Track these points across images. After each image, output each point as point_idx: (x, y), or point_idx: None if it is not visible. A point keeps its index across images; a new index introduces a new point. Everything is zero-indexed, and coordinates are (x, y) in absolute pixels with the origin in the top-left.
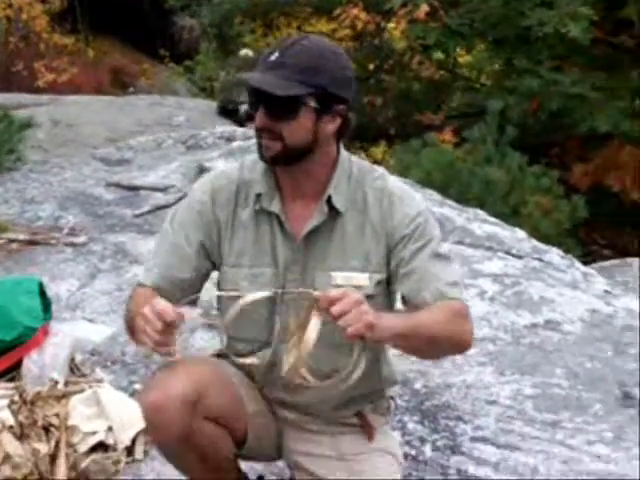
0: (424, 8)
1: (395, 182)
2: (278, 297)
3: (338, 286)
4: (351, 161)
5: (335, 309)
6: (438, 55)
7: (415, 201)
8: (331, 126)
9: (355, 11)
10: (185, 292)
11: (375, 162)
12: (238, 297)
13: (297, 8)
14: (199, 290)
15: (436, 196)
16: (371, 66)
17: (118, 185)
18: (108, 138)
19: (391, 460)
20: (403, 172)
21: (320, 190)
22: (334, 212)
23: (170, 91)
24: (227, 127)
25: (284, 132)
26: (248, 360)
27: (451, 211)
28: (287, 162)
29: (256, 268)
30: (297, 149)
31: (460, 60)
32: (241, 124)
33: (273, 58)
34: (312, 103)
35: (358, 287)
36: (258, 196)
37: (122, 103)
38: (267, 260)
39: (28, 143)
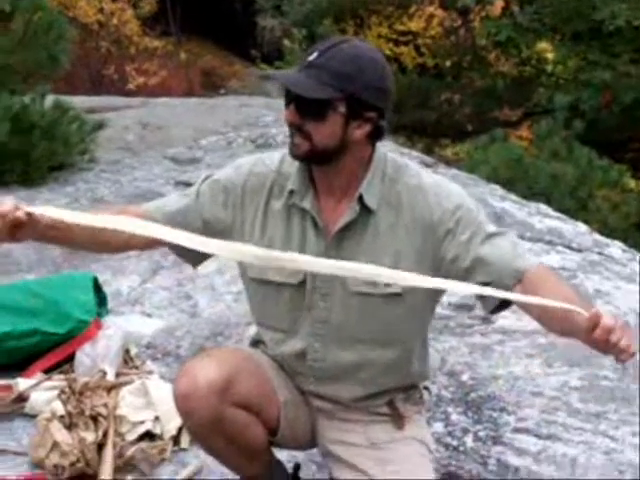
0: (499, 4)
1: (430, 178)
2: (308, 286)
3: (368, 284)
4: (386, 160)
5: (612, 338)
6: (526, 52)
7: (452, 194)
8: (359, 132)
9: (431, 9)
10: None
11: (447, 160)
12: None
13: (379, 6)
14: None
15: (500, 191)
16: (448, 63)
17: (186, 183)
18: (195, 139)
19: (421, 448)
20: (472, 168)
21: (353, 189)
22: (366, 210)
23: (261, 92)
24: None
25: (312, 133)
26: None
27: (512, 205)
28: (315, 162)
29: None
30: (325, 151)
31: (548, 56)
32: None
33: (311, 58)
34: (341, 108)
35: (388, 285)
36: (291, 192)
37: (211, 104)
38: (295, 250)
39: (117, 144)
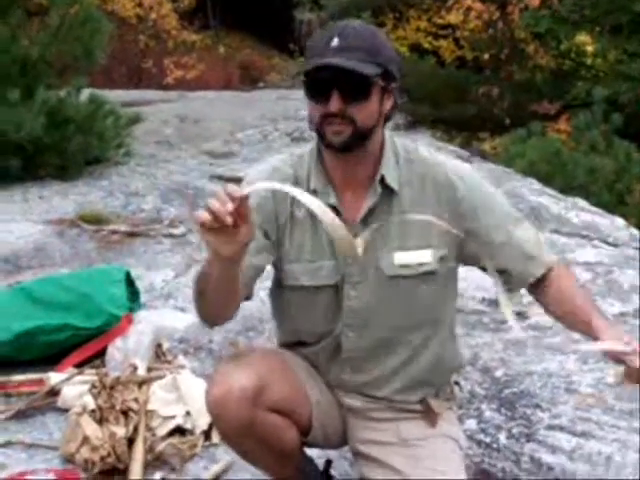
0: None
1: (444, 156)
2: (344, 281)
3: (403, 266)
4: (395, 143)
5: None
6: (565, 45)
7: (468, 172)
8: (388, 104)
9: (469, 1)
10: (251, 277)
11: (484, 154)
12: None
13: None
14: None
15: (536, 185)
16: (486, 56)
17: (221, 177)
18: (231, 133)
19: (452, 445)
20: (508, 162)
21: (372, 173)
22: (388, 191)
23: (300, 85)
24: None
25: (355, 115)
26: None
27: (549, 199)
28: (355, 146)
29: (316, 262)
30: (366, 130)
31: (588, 48)
32: None
33: (335, 44)
34: (380, 82)
35: (422, 264)
36: (314, 192)
37: (248, 98)
38: (326, 253)
39: (155, 138)
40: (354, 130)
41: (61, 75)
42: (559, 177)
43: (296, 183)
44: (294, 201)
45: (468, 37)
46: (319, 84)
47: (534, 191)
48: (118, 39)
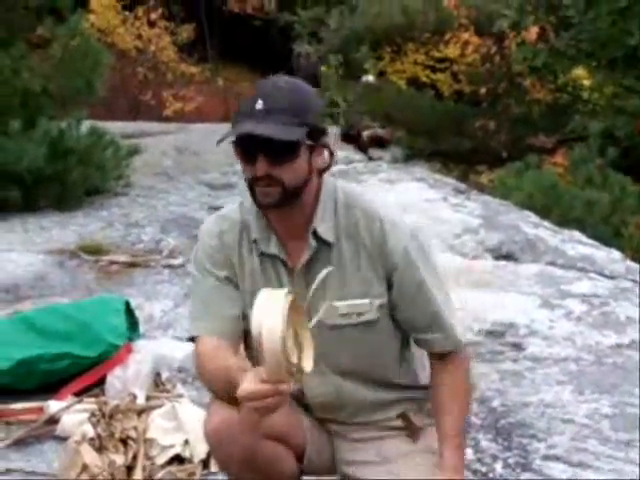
0: (534, 30)
1: (385, 207)
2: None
3: (343, 315)
4: (336, 188)
5: None
6: (562, 79)
7: (405, 226)
8: (320, 159)
9: (466, 35)
10: (239, 328)
11: (481, 187)
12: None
13: (415, 33)
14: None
15: (533, 218)
16: (483, 89)
17: (219, 209)
18: (230, 164)
19: (435, 459)
20: (505, 195)
21: (307, 224)
22: (325, 244)
23: None
24: (343, 152)
25: (284, 176)
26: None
27: (545, 232)
28: (287, 204)
29: None
30: (295, 189)
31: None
32: (362, 149)
33: (260, 107)
34: (307, 141)
35: (361, 314)
36: (255, 241)
37: None
38: None
39: (154, 170)
40: (283, 191)
41: (62, 107)
42: (556, 210)
43: (244, 229)
44: (242, 244)
45: (465, 71)
46: (245, 149)
47: (531, 224)
48: (117, 71)
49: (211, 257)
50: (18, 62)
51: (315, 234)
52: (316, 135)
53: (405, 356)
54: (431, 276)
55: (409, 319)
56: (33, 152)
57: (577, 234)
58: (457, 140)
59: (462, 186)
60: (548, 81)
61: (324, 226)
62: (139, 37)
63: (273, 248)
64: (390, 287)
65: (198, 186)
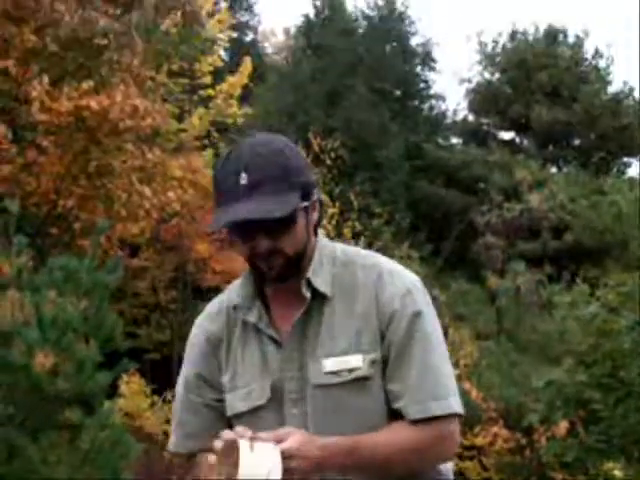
0: (563, 425)
1: (387, 261)
2: (279, 398)
3: (330, 373)
4: (335, 246)
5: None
6: (592, 470)
7: (406, 277)
8: (315, 214)
9: (495, 429)
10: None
11: None
12: None
13: None
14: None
15: None
16: None
17: None
18: None
19: None
20: None
21: (302, 279)
22: (320, 297)
23: None
24: None
25: (284, 245)
26: None
27: None
28: (293, 272)
29: (248, 386)
30: (299, 254)
31: (617, 473)
32: None
33: (245, 182)
34: (302, 203)
35: (352, 370)
36: (234, 308)
37: None
38: (257, 373)
39: None
40: (287, 259)
41: None
42: None
43: (228, 313)
44: (230, 326)
45: (495, 463)
46: (241, 232)
47: None
48: (143, 454)
49: (194, 355)
50: (46, 452)
51: (309, 284)
52: (307, 192)
53: None
54: (428, 332)
55: (396, 377)
56: None
57: None
58: None
59: None
60: (579, 473)
61: (320, 277)
62: (167, 422)
63: (252, 316)
64: (383, 339)
65: None
